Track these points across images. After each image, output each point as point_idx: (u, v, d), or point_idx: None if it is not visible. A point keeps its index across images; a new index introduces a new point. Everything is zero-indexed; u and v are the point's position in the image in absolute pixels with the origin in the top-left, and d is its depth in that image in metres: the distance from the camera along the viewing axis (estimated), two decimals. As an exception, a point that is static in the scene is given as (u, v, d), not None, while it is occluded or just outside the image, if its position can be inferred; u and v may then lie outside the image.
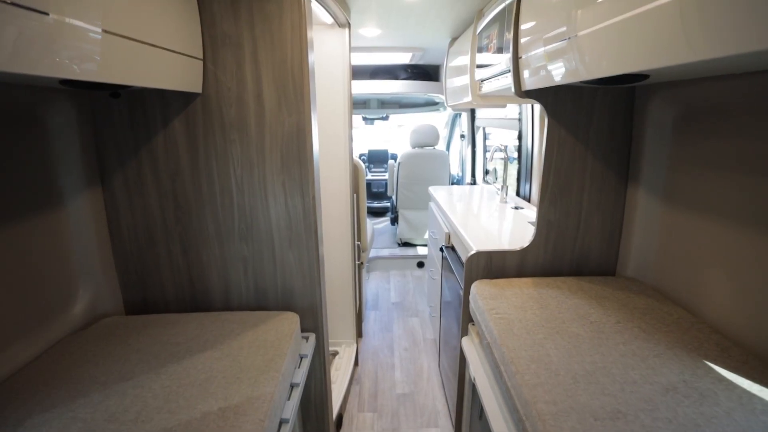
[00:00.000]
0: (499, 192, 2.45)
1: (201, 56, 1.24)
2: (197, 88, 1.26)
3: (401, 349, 2.67)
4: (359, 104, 4.61)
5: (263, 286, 1.46)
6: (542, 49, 1.08)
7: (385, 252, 4.06)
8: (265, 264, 1.43)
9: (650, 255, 1.31)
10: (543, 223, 1.43)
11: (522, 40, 1.23)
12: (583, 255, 1.46)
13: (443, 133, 4.71)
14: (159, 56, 1.02)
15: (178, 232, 1.40)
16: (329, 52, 1.99)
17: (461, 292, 1.56)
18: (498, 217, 2.05)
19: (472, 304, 1.36)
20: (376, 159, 5.67)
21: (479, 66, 1.82)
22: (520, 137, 2.41)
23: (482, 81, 1.84)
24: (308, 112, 1.28)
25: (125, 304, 1.47)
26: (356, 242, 2.51)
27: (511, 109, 2.59)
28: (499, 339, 1.04)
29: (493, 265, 1.46)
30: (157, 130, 1.32)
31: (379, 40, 2.75)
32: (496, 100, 1.93)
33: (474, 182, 3.80)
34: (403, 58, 3.42)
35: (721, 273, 1.04)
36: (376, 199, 5.44)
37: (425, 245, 4.20)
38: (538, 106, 2.10)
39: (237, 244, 1.41)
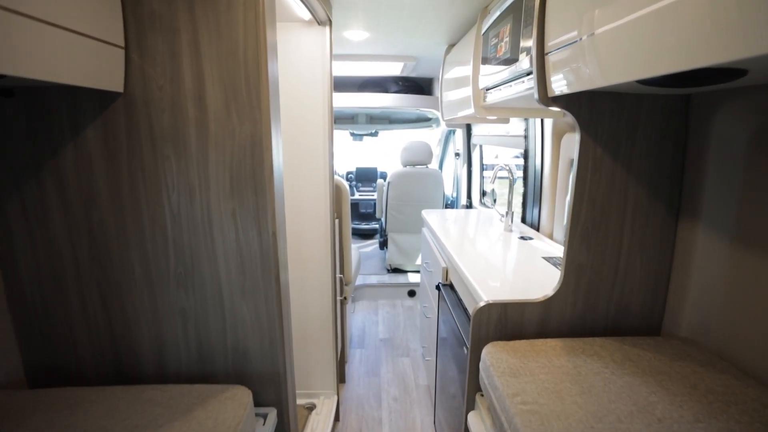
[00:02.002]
0: (503, 218, 2.15)
1: (122, 43, 0.92)
2: (117, 86, 0.94)
3: (390, 398, 2.30)
4: (347, 119, 4.33)
5: (209, 348, 1.11)
6: (583, 38, 0.79)
7: (373, 279, 3.71)
8: (210, 319, 1.09)
9: (713, 310, 1.00)
10: (572, 267, 1.11)
11: (551, 32, 0.94)
12: (621, 307, 1.15)
13: (436, 151, 4.45)
14: (62, 40, 0.71)
15: (95, 276, 1.06)
16: (307, 54, 1.69)
17: (466, 352, 1.23)
18: (504, 249, 1.74)
19: (483, 377, 1.03)
20: (365, 177, 5.37)
21: (484, 73, 1.54)
22: (526, 156, 2.13)
23: (487, 90, 1.55)
24: (267, 120, 0.97)
25: (27, 371, 1.12)
26: (338, 275, 2.17)
27: (514, 125, 2.32)
28: (532, 451, 0.71)
29: (509, 320, 1.13)
30: (64, 141, 0.98)
31: (367, 46, 2.47)
32: (504, 112, 1.64)
33: (470, 204, 3.51)
34: (394, 69, 3.15)
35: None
36: (364, 221, 5.11)
37: (417, 271, 3.86)
38: (549, 122, 1.83)
39: (173, 293, 1.07)
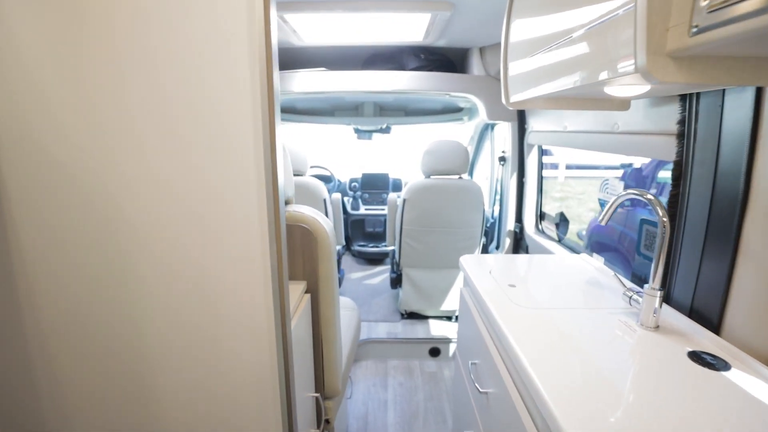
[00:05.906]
0: (635, 299, 1.10)
1: None
2: None
3: None
4: (349, 109, 3.30)
5: None
6: None
7: (382, 331, 2.70)
8: None
9: None
10: None
11: None
12: None
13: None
14: None
15: None
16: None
17: None
18: (678, 407, 0.70)
19: None
20: (373, 186, 4.32)
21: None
22: (679, 173, 1.08)
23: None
24: None
25: None
26: (311, 393, 1.16)
27: (638, 111, 1.27)
28: None
29: None
30: None
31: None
32: (749, 67, 0.59)
33: (520, 231, 2.45)
34: (414, 33, 2.12)
35: None
36: (372, 242, 4.08)
37: (441, 317, 2.84)
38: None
39: None
